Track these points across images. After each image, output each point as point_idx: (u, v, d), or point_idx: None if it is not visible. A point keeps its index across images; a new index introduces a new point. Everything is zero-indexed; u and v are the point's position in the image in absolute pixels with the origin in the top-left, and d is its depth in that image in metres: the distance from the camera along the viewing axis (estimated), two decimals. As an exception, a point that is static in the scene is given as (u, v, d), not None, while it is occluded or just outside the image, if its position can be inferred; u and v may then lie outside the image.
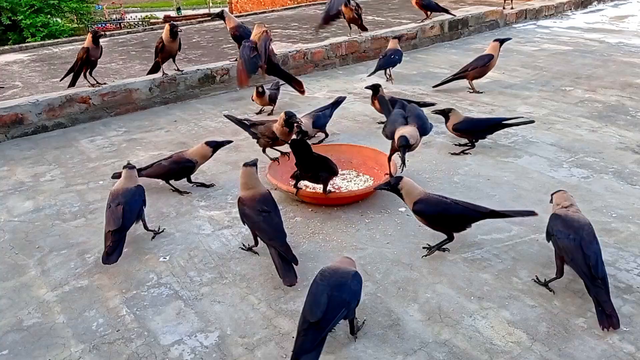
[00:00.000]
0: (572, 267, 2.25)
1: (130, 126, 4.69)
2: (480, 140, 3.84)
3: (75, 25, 20.57)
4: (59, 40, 9.63)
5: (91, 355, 2.11)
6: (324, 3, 12.28)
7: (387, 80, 5.47)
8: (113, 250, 2.59)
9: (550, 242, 2.38)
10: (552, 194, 2.56)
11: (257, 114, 4.76)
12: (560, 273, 2.32)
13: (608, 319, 2.09)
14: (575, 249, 2.22)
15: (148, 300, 2.42)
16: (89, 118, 4.82)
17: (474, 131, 3.78)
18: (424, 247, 2.67)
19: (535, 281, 2.39)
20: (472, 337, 2.11)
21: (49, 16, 17.51)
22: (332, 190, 3.18)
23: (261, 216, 2.58)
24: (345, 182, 3.41)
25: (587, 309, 2.23)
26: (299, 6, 11.20)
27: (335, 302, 1.98)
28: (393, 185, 2.60)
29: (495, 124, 3.81)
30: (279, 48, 6.10)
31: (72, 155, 4.09)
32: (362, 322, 2.20)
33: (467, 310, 2.26)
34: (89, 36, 4.72)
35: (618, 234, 2.76)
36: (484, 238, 2.76)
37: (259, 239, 2.63)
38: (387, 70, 5.49)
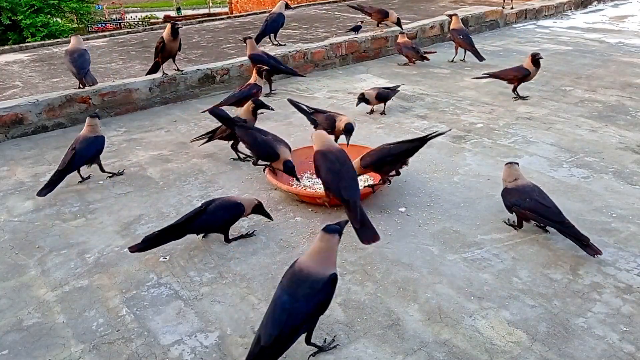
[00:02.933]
0: (543, 222, 2.69)
1: (130, 126, 4.68)
2: (480, 140, 3.84)
3: (75, 25, 20.58)
4: (59, 40, 9.61)
5: (91, 355, 2.11)
6: (325, 3, 12.27)
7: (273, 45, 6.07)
8: (48, 186, 3.24)
9: (513, 213, 2.78)
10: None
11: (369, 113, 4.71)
12: (520, 226, 2.81)
13: (589, 248, 2.50)
14: (538, 206, 2.65)
15: (148, 300, 2.42)
16: (89, 118, 4.81)
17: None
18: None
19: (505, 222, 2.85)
20: (472, 337, 2.11)
21: (49, 16, 17.50)
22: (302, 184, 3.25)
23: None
24: (345, 182, 3.40)
25: (587, 309, 2.24)
26: (299, 6, 11.19)
27: (295, 318, 1.78)
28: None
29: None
30: (278, 48, 6.10)
31: (72, 155, 4.09)
32: (332, 340, 2.07)
33: (467, 310, 2.26)
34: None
35: (618, 234, 2.76)
36: (484, 238, 2.77)
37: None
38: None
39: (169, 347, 2.14)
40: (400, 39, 6.17)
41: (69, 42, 4.92)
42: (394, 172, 3.18)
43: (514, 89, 4.84)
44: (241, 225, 2.98)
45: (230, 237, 2.82)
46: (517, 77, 4.76)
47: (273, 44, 6.21)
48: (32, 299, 2.46)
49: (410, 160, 3.24)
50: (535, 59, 4.61)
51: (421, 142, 3.11)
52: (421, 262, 2.59)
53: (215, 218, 2.72)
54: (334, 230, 1.89)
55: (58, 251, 2.83)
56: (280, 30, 6.40)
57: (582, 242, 2.51)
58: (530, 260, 2.57)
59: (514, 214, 2.80)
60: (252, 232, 2.87)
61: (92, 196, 3.42)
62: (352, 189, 2.73)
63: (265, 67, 4.67)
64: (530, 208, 2.67)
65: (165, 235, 2.65)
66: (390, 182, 3.23)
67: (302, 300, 1.81)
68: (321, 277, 1.85)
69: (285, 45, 6.25)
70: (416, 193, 3.26)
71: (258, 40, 5.97)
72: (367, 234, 2.53)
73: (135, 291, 2.48)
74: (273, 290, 2.41)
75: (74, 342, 2.19)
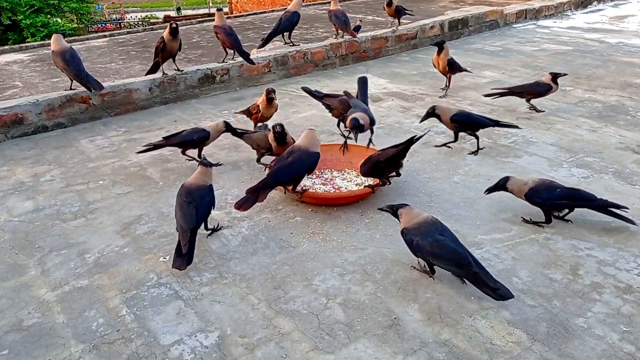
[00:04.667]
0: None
1: (130, 126, 4.69)
2: (480, 140, 3.84)
3: (75, 25, 20.60)
4: (59, 40, 9.61)
5: (91, 355, 2.11)
6: (324, 3, 12.27)
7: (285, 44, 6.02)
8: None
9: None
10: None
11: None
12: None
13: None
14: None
15: (148, 300, 2.42)
16: (89, 118, 4.82)
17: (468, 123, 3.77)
18: None
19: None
20: (472, 337, 2.11)
21: (49, 16, 17.52)
22: (306, 189, 3.22)
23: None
24: (346, 182, 3.41)
25: (587, 309, 2.24)
26: (299, 6, 11.20)
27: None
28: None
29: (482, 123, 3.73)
30: (278, 48, 6.11)
31: (72, 155, 4.09)
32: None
33: (467, 310, 2.26)
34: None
35: (618, 234, 2.76)
36: (484, 238, 2.77)
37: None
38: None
39: (169, 347, 2.14)
40: (332, 6, 6.20)
41: (69, 42, 4.85)
42: (393, 173, 3.19)
43: (528, 100, 4.57)
44: (241, 226, 2.98)
45: (210, 228, 2.92)
46: (540, 93, 4.46)
47: (286, 43, 6.16)
48: (32, 299, 2.46)
49: (411, 160, 3.25)
50: (554, 79, 4.40)
51: (406, 145, 3.08)
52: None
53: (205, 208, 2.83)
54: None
55: (58, 251, 2.83)
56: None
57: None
58: (530, 260, 2.57)
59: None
60: (220, 227, 2.97)
61: (92, 196, 3.42)
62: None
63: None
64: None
65: (193, 242, 2.67)
66: (389, 182, 3.24)
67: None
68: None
69: (298, 45, 6.23)
70: (416, 193, 3.26)
71: (270, 38, 5.90)
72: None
73: (135, 291, 2.48)
74: (273, 290, 2.43)
75: (74, 342, 2.19)
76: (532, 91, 4.48)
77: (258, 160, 3.55)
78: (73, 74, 4.51)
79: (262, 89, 5.53)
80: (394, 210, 2.59)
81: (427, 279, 2.47)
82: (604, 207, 2.80)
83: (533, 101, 4.55)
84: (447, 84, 5.15)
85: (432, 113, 3.71)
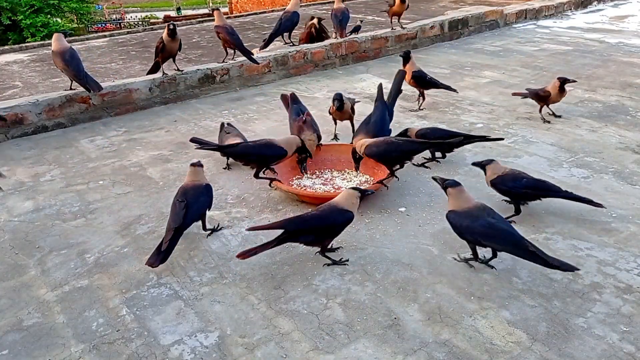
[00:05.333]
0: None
1: (130, 126, 4.69)
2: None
3: (75, 25, 20.60)
4: (59, 40, 9.61)
5: (91, 355, 2.11)
6: (324, 3, 12.25)
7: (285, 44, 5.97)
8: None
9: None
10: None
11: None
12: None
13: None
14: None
15: (148, 300, 2.42)
16: (89, 118, 4.82)
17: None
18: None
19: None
20: (472, 337, 2.11)
21: (49, 16, 17.52)
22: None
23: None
24: (346, 182, 3.41)
25: (587, 309, 2.23)
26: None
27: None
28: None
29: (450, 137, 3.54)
30: (278, 48, 6.11)
31: (72, 155, 4.09)
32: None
33: (467, 310, 2.26)
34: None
35: (618, 234, 2.76)
36: (484, 238, 2.76)
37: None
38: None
39: (169, 347, 2.14)
40: (335, 4, 6.19)
41: (69, 42, 4.84)
42: (397, 166, 3.19)
43: (540, 109, 4.40)
44: (241, 226, 2.98)
45: (208, 228, 2.89)
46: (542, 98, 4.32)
47: (286, 43, 6.17)
48: (32, 299, 2.46)
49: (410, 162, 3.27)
50: (562, 86, 4.18)
51: (434, 145, 3.21)
52: (421, 262, 2.59)
53: (198, 207, 2.78)
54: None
55: (58, 251, 2.83)
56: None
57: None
58: (530, 260, 2.57)
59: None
60: (220, 227, 2.94)
61: (92, 196, 3.42)
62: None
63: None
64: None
65: (175, 241, 2.65)
66: (397, 177, 3.23)
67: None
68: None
69: (298, 45, 6.23)
70: (416, 193, 3.26)
71: (272, 39, 5.91)
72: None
73: (135, 291, 2.48)
74: (273, 290, 2.43)
75: (74, 342, 2.19)
76: (536, 96, 4.35)
77: (256, 175, 3.23)
78: (72, 74, 4.50)
79: (262, 89, 5.57)
80: (444, 186, 2.57)
81: (427, 279, 2.47)
82: (572, 198, 2.89)
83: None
84: (421, 98, 4.71)
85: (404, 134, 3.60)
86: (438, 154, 3.65)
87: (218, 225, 2.97)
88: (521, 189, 2.87)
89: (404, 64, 4.55)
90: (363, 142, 3.19)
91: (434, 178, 2.69)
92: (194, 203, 2.74)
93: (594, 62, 6.14)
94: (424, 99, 4.71)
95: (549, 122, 4.33)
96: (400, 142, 3.18)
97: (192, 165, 2.91)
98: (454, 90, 4.65)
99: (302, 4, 11.47)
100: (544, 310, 2.23)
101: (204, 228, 2.88)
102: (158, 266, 2.54)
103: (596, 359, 1.99)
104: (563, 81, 4.17)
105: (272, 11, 12.31)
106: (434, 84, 4.60)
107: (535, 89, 4.45)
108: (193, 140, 3.43)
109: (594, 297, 2.30)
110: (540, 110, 4.38)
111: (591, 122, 4.29)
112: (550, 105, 4.38)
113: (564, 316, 2.20)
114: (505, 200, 3.02)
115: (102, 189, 3.51)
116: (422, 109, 4.69)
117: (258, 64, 5.55)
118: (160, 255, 2.55)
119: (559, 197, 2.90)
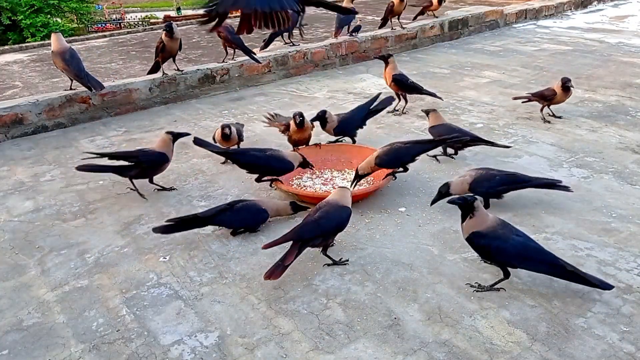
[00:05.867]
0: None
1: (130, 126, 4.68)
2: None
3: (75, 25, 20.59)
4: (59, 40, 9.62)
5: (91, 355, 2.11)
6: (324, 3, 12.29)
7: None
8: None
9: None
10: None
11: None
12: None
13: None
14: None
15: (148, 300, 2.42)
16: (89, 118, 4.82)
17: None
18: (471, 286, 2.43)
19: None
20: (472, 337, 2.11)
21: (49, 16, 17.52)
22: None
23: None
24: (346, 182, 3.41)
25: (587, 309, 2.23)
26: (299, 6, 11.19)
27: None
28: None
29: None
30: (278, 48, 6.11)
31: (72, 155, 4.09)
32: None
33: (467, 310, 2.26)
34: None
35: (618, 234, 2.76)
36: (484, 238, 2.76)
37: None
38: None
39: (169, 347, 2.14)
40: (344, 4, 6.02)
41: (69, 42, 4.84)
42: (401, 169, 3.24)
43: (542, 109, 4.37)
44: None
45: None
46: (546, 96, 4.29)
47: (285, 43, 6.17)
48: (32, 299, 2.46)
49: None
50: (565, 86, 4.15)
51: (438, 143, 3.30)
52: (421, 262, 2.59)
53: (238, 218, 2.85)
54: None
55: (58, 251, 2.83)
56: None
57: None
58: (530, 260, 2.57)
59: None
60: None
61: (92, 196, 3.42)
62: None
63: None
64: None
65: (190, 224, 2.79)
66: (395, 178, 3.26)
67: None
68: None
69: (298, 45, 6.23)
70: (416, 193, 3.26)
71: (272, 39, 5.91)
72: (275, 269, 2.40)
73: (135, 291, 2.48)
74: (273, 290, 2.43)
75: (74, 342, 2.19)
76: (541, 96, 4.30)
77: (258, 180, 3.25)
78: (73, 74, 4.49)
79: (262, 89, 5.57)
80: (468, 204, 2.30)
81: (427, 279, 2.47)
82: (542, 185, 3.02)
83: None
84: (401, 101, 4.60)
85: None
86: (450, 150, 3.68)
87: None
88: (497, 187, 2.95)
89: (385, 67, 4.50)
90: (370, 160, 3.16)
91: (450, 202, 2.39)
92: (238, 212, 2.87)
93: (594, 62, 6.14)
94: (406, 102, 4.64)
95: (549, 122, 4.32)
96: (409, 145, 3.19)
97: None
98: (439, 98, 4.65)
99: (302, 4, 11.47)
100: (544, 310, 2.23)
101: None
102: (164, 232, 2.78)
103: (596, 359, 1.99)
104: (565, 81, 4.15)
105: (272, 11, 12.29)
106: (417, 89, 4.54)
107: (539, 90, 4.41)
108: (196, 141, 3.36)
109: (594, 297, 2.30)
110: (541, 110, 4.36)
111: (591, 122, 4.29)
112: (551, 106, 4.37)
113: (564, 316, 2.20)
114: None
115: (102, 189, 3.51)
116: (405, 113, 4.63)
117: (260, 63, 5.55)
118: (165, 227, 2.78)
119: (529, 186, 2.99)
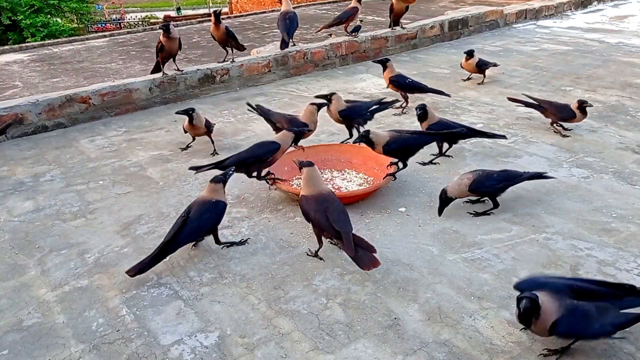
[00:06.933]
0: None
1: (130, 126, 4.69)
2: (480, 140, 3.84)
3: (75, 25, 20.60)
4: (59, 40, 9.63)
5: (91, 355, 2.11)
6: (324, 3, 12.26)
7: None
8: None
9: None
10: None
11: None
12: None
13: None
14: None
15: (148, 300, 2.42)
16: (89, 118, 4.82)
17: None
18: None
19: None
20: (472, 337, 2.11)
21: (49, 16, 17.53)
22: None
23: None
24: (345, 182, 3.41)
25: (587, 309, 2.23)
26: (299, 6, 11.21)
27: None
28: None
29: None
30: (278, 48, 6.10)
31: (72, 155, 4.09)
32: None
33: (467, 310, 2.26)
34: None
35: (618, 234, 2.76)
36: (484, 238, 2.77)
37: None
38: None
39: (169, 347, 2.14)
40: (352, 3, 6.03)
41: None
42: (401, 166, 3.25)
43: (552, 123, 4.11)
44: (241, 226, 2.98)
45: (222, 242, 2.76)
46: (563, 117, 4.03)
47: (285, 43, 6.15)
48: (32, 299, 2.46)
49: (411, 159, 3.27)
50: (583, 107, 3.94)
51: (443, 136, 3.42)
52: (421, 262, 2.59)
53: (200, 224, 2.63)
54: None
55: (58, 251, 2.83)
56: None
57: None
58: (530, 260, 2.57)
59: None
60: (246, 240, 2.81)
61: (92, 196, 3.42)
62: (342, 221, 2.48)
63: None
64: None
65: (160, 255, 2.56)
66: (395, 178, 3.25)
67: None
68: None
69: (298, 45, 6.22)
70: (416, 193, 3.26)
71: (290, 36, 5.81)
72: (365, 260, 2.36)
73: (135, 291, 2.48)
74: (273, 290, 2.43)
75: (74, 342, 2.19)
76: (556, 112, 4.03)
77: (259, 177, 3.21)
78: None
79: (262, 89, 5.57)
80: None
81: (427, 279, 2.47)
82: (530, 177, 3.04)
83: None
84: (403, 100, 4.62)
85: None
86: (446, 147, 3.69)
87: (242, 240, 2.81)
88: (497, 184, 2.96)
89: (383, 71, 4.62)
90: (380, 140, 3.17)
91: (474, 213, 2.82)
92: (196, 219, 2.61)
93: (594, 62, 6.14)
94: (407, 102, 4.66)
95: (568, 136, 4.03)
96: (416, 136, 3.30)
97: (211, 181, 2.76)
98: (447, 95, 4.68)
99: (303, 4, 11.48)
100: (544, 310, 2.23)
101: (217, 242, 2.74)
102: (134, 276, 2.49)
103: (596, 359, 1.99)
104: (582, 103, 3.93)
105: (273, 11, 12.31)
106: (419, 89, 4.58)
107: (558, 103, 4.13)
108: (192, 169, 3.24)
109: (594, 297, 2.30)
110: (552, 124, 4.09)
111: (591, 122, 4.29)
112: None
113: (564, 316, 2.20)
114: (472, 201, 3.10)
115: (102, 189, 3.51)
116: (405, 113, 4.63)
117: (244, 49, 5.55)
118: (139, 267, 2.49)
119: (522, 180, 3.02)
